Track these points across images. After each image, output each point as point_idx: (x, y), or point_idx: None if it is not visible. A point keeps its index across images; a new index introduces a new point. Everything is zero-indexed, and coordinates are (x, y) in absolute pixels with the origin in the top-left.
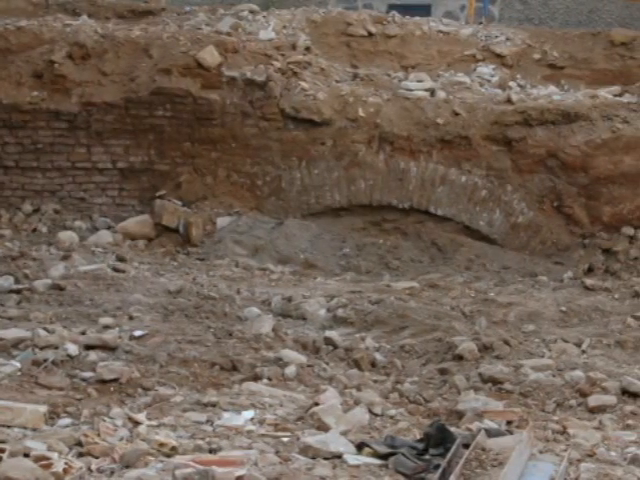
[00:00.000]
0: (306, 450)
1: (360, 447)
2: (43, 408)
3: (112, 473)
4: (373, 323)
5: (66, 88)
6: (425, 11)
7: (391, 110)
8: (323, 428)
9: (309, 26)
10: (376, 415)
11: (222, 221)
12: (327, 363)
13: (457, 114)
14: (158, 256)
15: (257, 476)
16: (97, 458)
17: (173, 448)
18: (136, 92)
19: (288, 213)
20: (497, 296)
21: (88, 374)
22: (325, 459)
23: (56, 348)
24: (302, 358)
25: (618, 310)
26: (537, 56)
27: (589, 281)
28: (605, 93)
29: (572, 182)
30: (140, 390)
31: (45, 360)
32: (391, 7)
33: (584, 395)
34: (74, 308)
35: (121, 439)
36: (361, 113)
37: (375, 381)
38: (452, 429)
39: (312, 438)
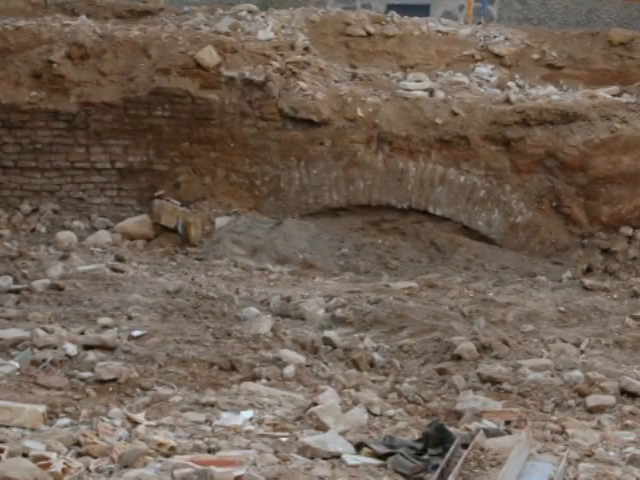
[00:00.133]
0: (305, 450)
1: (359, 447)
2: (42, 408)
3: (111, 473)
4: (372, 323)
5: (65, 88)
6: (424, 11)
7: (390, 110)
8: (322, 428)
9: (308, 26)
10: (375, 415)
11: (221, 221)
12: (326, 363)
13: (456, 114)
14: (157, 256)
15: (256, 476)
16: (96, 458)
17: (172, 448)
18: (135, 92)
19: (287, 213)
20: (496, 296)
21: (87, 374)
22: (324, 459)
23: (55, 348)
24: (301, 358)
25: (617, 310)
26: (536, 56)
27: (588, 281)
28: (604, 93)
29: (571, 182)
30: (139, 390)
31: (44, 360)
32: (390, 7)
33: (583, 395)
34: (73, 308)
35: (120, 439)
36: (360, 113)
37: (374, 381)
38: (451, 429)
39: (311, 438)
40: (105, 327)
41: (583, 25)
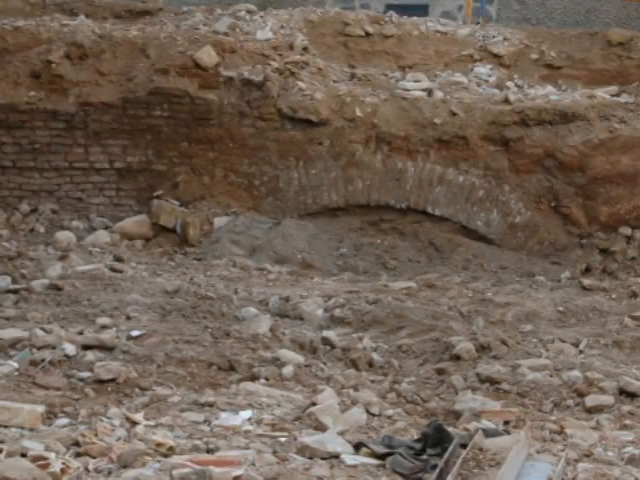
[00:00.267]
0: (303, 450)
1: (357, 447)
2: (40, 408)
3: (109, 473)
4: (370, 323)
5: (63, 88)
6: (422, 11)
7: (388, 110)
8: (320, 428)
9: (306, 26)
10: (373, 415)
11: (219, 221)
12: (324, 363)
13: (454, 114)
14: (155, 256)
15: (254, 476)
16: (94, 458)
17: (170, 448)
18: (133, 92)
19: (285, 213)
20: (494, 296)
21: (85, 374)
22: (322, 459)
23: (53, 348)
24: (299, 358)
25: (615, 310)
26: (534, 56)
27: (586, 281)
28: (602, 93)
29: (569, 182)
30: (137, 390)
31: (42, 360)
32: (388, 7)
33: (581, 395)
34: (71, 308)
35: (118, 439)
36: (358, 113)
37: (372, 381)
38: (449, 429)
39: (309, 438)
40: (104, 327)
41: (582, 25)
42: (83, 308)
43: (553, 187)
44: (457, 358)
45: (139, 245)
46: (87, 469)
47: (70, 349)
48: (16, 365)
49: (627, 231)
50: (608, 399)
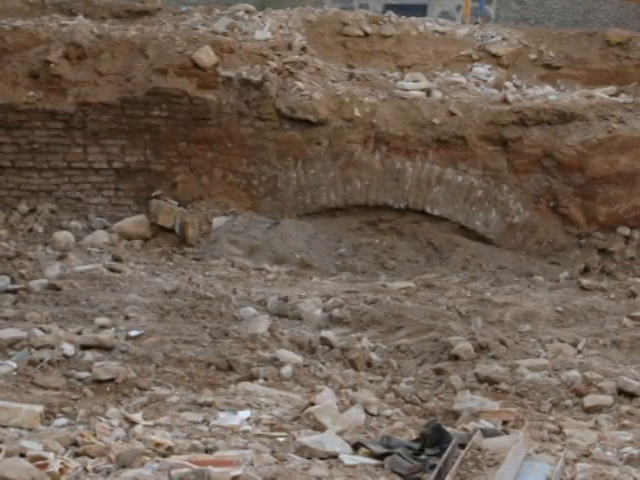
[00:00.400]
0: (302, 450)
1: (356, 447)
2: (39, 408)
3: (108, 473)
4: (369, 323)
5: (62, 88)
6: (421, 11)
7: (387, 110)
8: (319, 428)
9: (305, 26)
10: (372, 415)
11: (218, 221)
12: (323, 363)
13: (453, 114)
14: (154, 256)
15: (253, 476)
16: (93, 458)
17: (169, 448)
18: (132, 92)
19: (284, 213)
20: (493, 296)
21: (84, 374)
22: (321, 459)
23: (52, 348)
24: (298, 358)
25: (614, 310)
26: (533, 56)
27: (585, 281)
28: (601, 93)
29: (568, 182)
30: (136, 390)
31: (41, 360)
32: (387, 7)
33: (580, 395)
34: (70, 308)
35: (117, 439)
36: (357, 113)
37: (371, 381)
38: (448, 429)
39: (308, 438)
40: (102, 327)
41: (580, 25)
42: (82, 308)
43: (552, 187)
44: (456, 358)
45: (138, 245)
46: (86, 469)
47: (69, 349)
48: (15, 365)
49: (626, 231)
50: (607, 399)
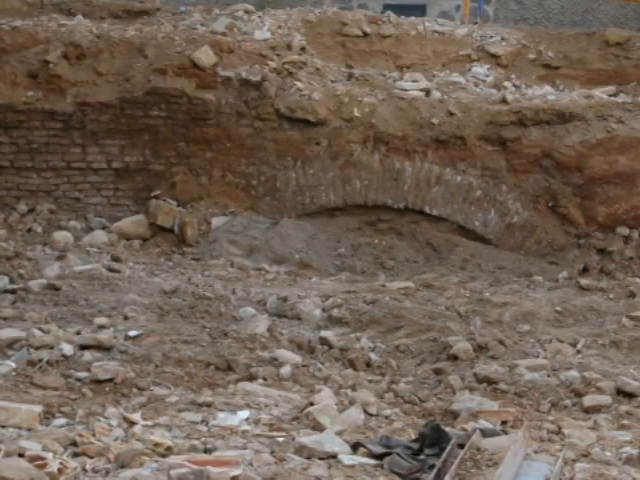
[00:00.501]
0: (301, 450)
1: (355, 447)
2: (38, 408)
3: (107, 473)
4: (368, 323)
5: (61, 88)
6: (420, 11)
7: (386, 110)
8: (318, 428)
9: (304, 26)
10: (371, 415)
11: (217, 221)
12: (322, 363)
13: (452, 114)
14: (153, 256)
15: (252, 476)
16: (92, 458)
17: (168, 448)
18: (131, 92)
19: (283, 213)
20: (492, 296)
21: (83, 374)
22: (320, 459)
23: (51, 348)
24: (297, 358)
25: (613, 310)
26: (532, 56)
27: (584, 281)
28: (600, 93)
29: (567, 182)
30: (135, 390)
31: (40, 360)
32: (386, 7)
33: (579, 395)
34: (69, 308)
35: (116, 439)
36: (356, 113)
37: (370, 381)
38: (447, 429)
39: (307, 438)
40: (101, 327)
41: (579, 25)
42: (81, 308)
43: (551, 187)
44: (455, 358)
45: (137, 245)
46: (84, 469)
47: (68, 349)
48: (14, 365)
49: (625, 231)
50: (606, 399)
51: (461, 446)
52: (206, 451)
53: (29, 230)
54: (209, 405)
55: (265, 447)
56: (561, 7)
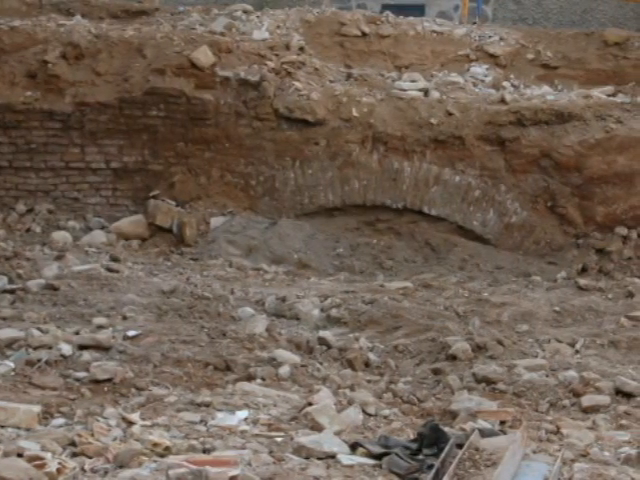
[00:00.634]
0: (300, 450)
1: (354, 447)
2: (37, 408)
3: (106, 473)
4: (367, 323)
5: (60, 88)
6: (419, 11)
7: (385, 110)
8: (317, 428)
9: (303, 26)
10: (370, 415)
11: (216, 221)
12: (321, 363)
13: (451, 114)
14: (152, 256)
15: (251, 476)
16: (91, 458)
17: (167, 448)
18: (130, 92)
19: (282, 213)
20: (491, 296)
21: (82, 374)
22: (319, 459)
23: (50, 348)
24: (296, 358)
25: (612, 310)
26: (531, 56)
27: (583, 281)
28: (599, 93)
29: (566, 182)
30: (134, 390)
31: (39, 360)
32: (385, 7)
33: (578, 395)
34: (68, 308)
35: (115, 439)
36: (355, 113)
37: (369, 381)
38: (446, 429)
39: (306, 438)
40: (100, 327)
41: (578, 25)
42: (79, 308)
43: (549, 187)
44: (453, 358)
45: (135, 245)
46: (83, 469)
47: (66, 349)
48: (12, 365)
49: (623, 231)
50: (604, 399)
51: (460, 446)
52: (205, 451)
53: (28, 230)
54: (208, 405)
55: (264, 447)
56: (560, 7)
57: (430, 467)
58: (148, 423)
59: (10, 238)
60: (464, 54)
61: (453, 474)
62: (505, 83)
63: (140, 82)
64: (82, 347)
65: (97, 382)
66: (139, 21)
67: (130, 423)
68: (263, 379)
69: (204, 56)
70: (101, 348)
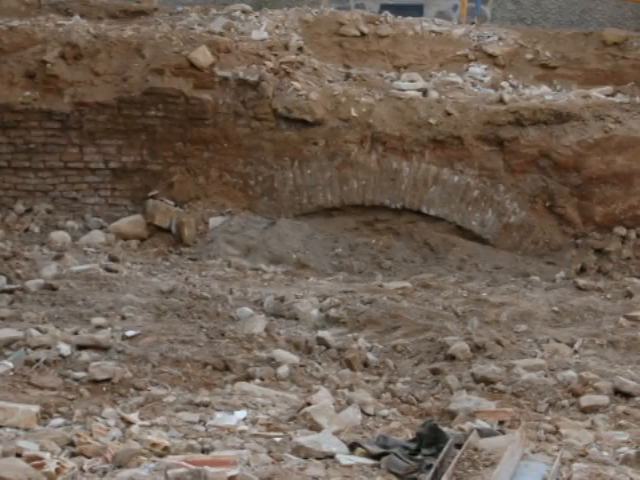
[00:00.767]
0: (298, 450)
1: (352, 447)
2: (35, 408)
3: (104, 473)
4: (365, 323)
5: (58, 88)
6: (417, 11)
7: (383, 110)
8: (315, 428)
9: (302, 26)
10: (368, 415)
11: (214, 221)
12: (319, 363)
13: (449, 114)
14: (150, 256)
15: (249, 476)
16: (89, 458)
17: (165, 448)
18: (128, 92)
19: (280, 213)
20: (489, 296)
21: (80, 374)
22: (317, 459)
23: (48, 348)
24: (294, 358)
25: (610, 310)
26: (529, 56)
27: (581, 281)
28: (597, 93)
29: (564, 182)
30: (132, 390)
31: (37, 360)
32: (383, 7)
33: (576, 395)
34: (66, 308)
35: (113, 439)
36: (353, 113)
37: (367, 381)
38: (444, 429)
39: (304, 438)
40: (99, 327)
41: (577, 25)
42: (78, 308)
43: (548, 187)
44: (452, 358)
45: (134, 245)
46: (82, 469)
47: (65, 349)
48: (11, 365)
49: (622, 231)
50: (603, 399)
51: (458, 446)
52: (203, 451)
53: (26, 230)
54: (206, 405)
55: (262, 447)
56: (558, 7)
57: (429, 467)
58: (147, 423)
59: (9, 238)
60: (463, 54)
61: (452, 474)
62: (504, 83)
63: (139, 82)
64: (81, 347)
65: (96, 382)
66: (138, 21)
67: (129, 423)
68: (262, 379)
69: (203, 56)
70: (100, 348)
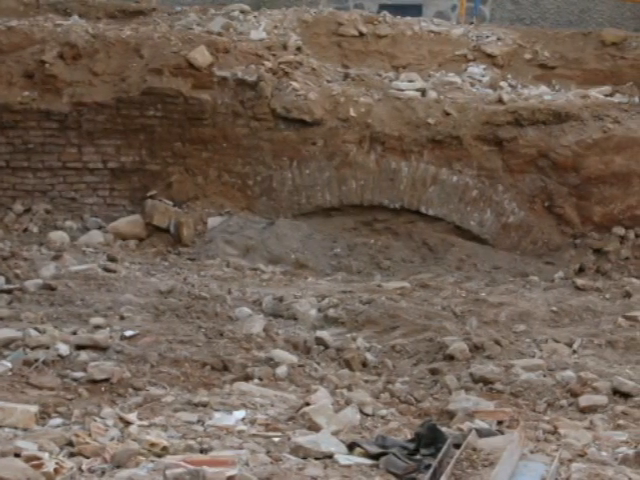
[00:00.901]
0: (297, 450)
1: (351, 447)
2: (34, 408)
3: (103, 473)
4: (364, 323)
5: (57, 88)
6: (416, 11)
7: (382, 110)
8: (314, 428)
9: (300, 26)
10: (367, 415)
11: (213, 221)
12: (318, 363)
13: (448, 114)
14: (149, 256)
15: (248, 476)
16: (88, 458)
17: (164, 448)
18: (127, 92)
19: (279, 213)
20: (488, 296)
21: (79, 374)
22: (316, 459)
23: (47, 348)
24: (293, 358)
25: (609, 310)
26: (528, 56)
27: (580, 281)
28: (596, 93)
29: (563, 182)
30: (131, 390)
31: (36, 360)
32: (382, 7)
33: (575, 395)
34: (65, 308)
35: (112, 439)
36: (352, 113)
37: (366, 381)
38: (443, 429)
39: (303, 438)
40: (97, 327)
41: (575, 25)
42: (77, 308)
43: (547, 187)
44: (451, 358)
45: (133, 245)
46: (81, 469)
47: (64, 349)
48: (10, 365)
49: (621, 231)
50: (602, 399)
51: (457, 446)
52: (202, 451)
53: (25, 230)
54: (205, 405)
55: (261, 447)
56: (557, 7)
57: (427, 467)
58: (145, 423)
59: (7, 238)
60: (461, 54)
61: (450, 474)
62: (502, 83)
63: (137, 82)
64: (79, 347)
65: (94, 382)
66: (136, 21)
67: (127, 423)
68: (260, 379)
69: (201, 56)
70: (98, 348)
